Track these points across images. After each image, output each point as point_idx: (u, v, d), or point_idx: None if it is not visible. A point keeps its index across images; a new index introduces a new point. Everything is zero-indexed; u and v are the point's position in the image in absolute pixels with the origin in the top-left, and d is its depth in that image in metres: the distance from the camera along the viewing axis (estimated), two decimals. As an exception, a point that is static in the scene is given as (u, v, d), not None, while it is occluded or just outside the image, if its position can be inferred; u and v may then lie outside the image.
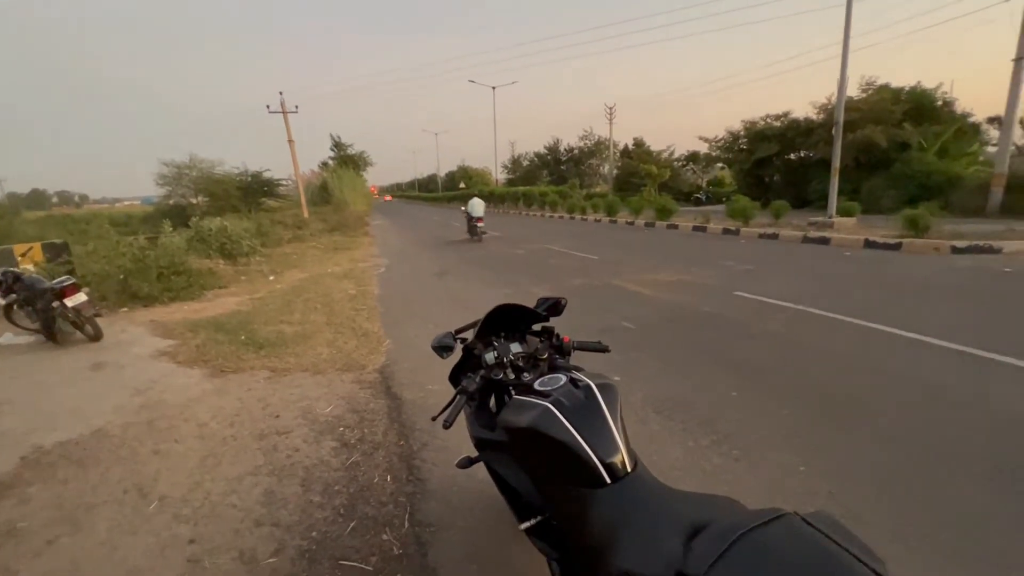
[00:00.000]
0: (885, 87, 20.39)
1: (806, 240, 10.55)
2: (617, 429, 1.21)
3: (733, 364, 3.84)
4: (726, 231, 12.91)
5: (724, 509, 0.93)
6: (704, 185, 34.50)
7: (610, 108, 35.60)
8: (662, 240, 12.59)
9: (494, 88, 36.70)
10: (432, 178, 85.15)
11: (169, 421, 3.30)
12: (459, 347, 1.78)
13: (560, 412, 1.23)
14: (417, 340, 4.84)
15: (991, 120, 20.69)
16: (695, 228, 14.04)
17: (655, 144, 39.76)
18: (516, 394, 1.46)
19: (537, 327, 1.83)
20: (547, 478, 1.28)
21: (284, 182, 29.16)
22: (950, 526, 1.99)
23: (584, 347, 1.73)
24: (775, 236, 11.35)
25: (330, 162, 45.04)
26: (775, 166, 23.99)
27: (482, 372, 1.60)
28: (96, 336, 5.16)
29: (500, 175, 52.41)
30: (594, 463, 1.15)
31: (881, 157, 18.32)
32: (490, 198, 38.16)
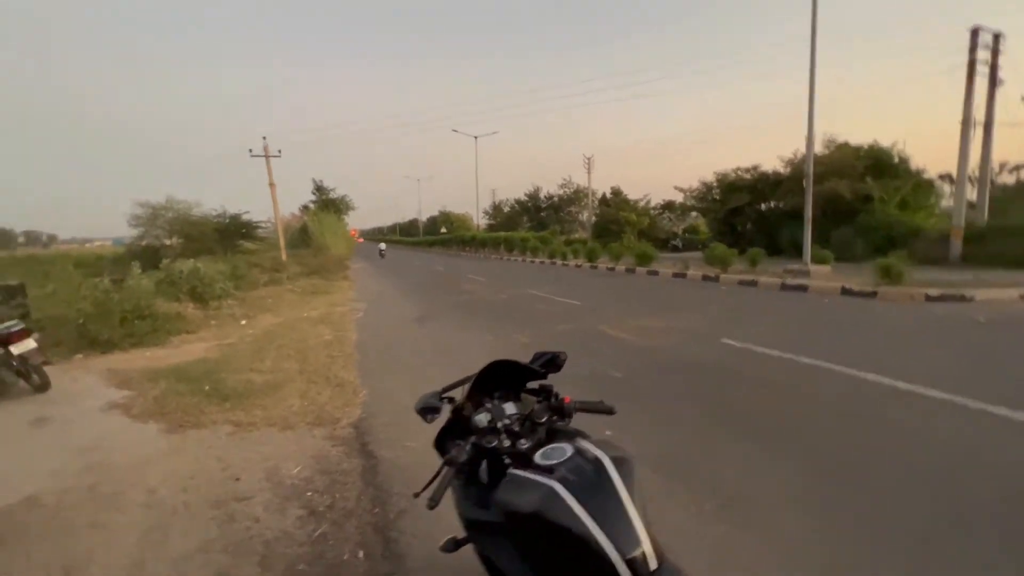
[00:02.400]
0: (846, 144, 21.64)
1: (784, 287, 10.72)
2: (638, 514, 1.03)
3: (727, 416, 3.68)
4: (706, 277, 13.08)
5: None
6: (680, 232, 35.49)
7: (588, 158, 36.87)
8: (643, 286, 12.66)
9: (476, 137, 37.81)
10: (413, 223, 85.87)
11: (114, 486, 2.94)
12: (447, 408, 1.58)
13: (569, 493, 1.04)
14: (396, 391, 4.57)
15: (942, 176, 22.10)
16: (675, 275, 14.20)
17: (632, 192, 41.04)
18: (513, 467, 1.27)
19: (534, 385, 1.65)
20: (552, 573, 1.08)
21: (263, 224, 28.86)
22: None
23: (587, 408, 1.56)
24: (754, 283, 11.52)
25: (311, 206, 45.12)
26: (747, 215, 24.87)
27: (472, 439, 1.40)
28: (43, 386, 4.74)
29: (481, 220, 53.17)
30: (613, 559, 0.96)
31: (846, 208, 19.16)
32: (471, 243, 38.43)
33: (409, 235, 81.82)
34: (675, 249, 29.44)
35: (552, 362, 1.67)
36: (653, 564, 0.98)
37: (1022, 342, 5.69)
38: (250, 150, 23.78)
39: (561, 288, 12.45)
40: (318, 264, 21.35)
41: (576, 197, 48.00)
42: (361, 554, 2.26)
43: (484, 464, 1.50)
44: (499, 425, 1.44)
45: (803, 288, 10.31)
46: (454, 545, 1.49)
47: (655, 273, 15.19)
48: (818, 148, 21.77)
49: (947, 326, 6.61)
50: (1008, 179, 22.93)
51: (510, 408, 1.52)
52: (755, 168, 24.70)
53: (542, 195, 50.70)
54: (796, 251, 13.51)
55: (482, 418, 1.46)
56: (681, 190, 29.67)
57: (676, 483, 2.75)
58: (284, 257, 22.74)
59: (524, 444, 1.39)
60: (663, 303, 9.51)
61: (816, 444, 3.17)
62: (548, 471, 1.14)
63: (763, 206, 24.49)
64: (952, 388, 3.95)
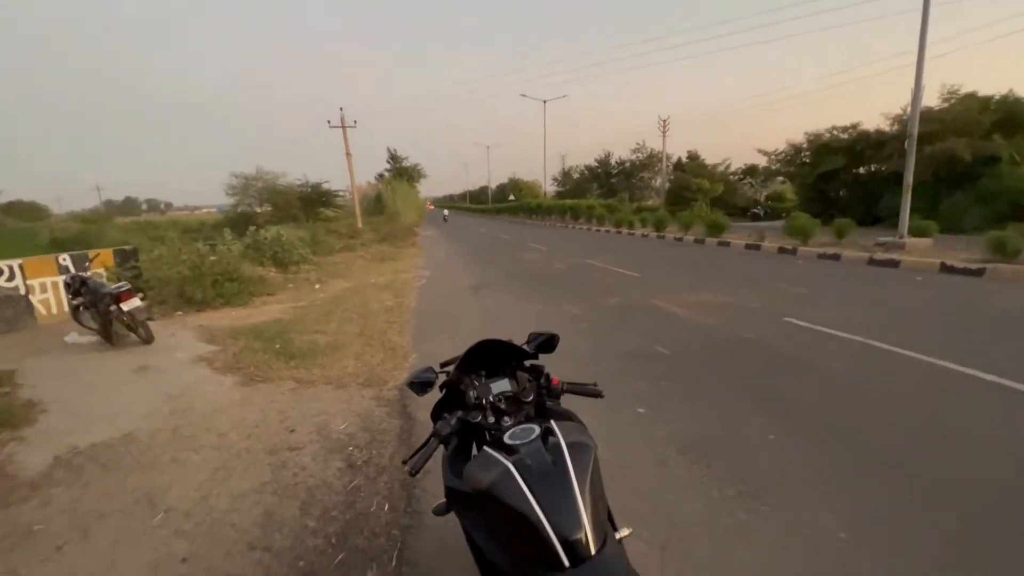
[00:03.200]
0: (971, 95, 18.61)
1: (872, 262, 9.69)
2: (584, 501, 1.05)
3: (774, 402, 3.50)
4: (782, 250, 12.12)
5: None
6: (762, 200, 32.84)
7: (663, 121, 34.78)
8: (711, 258, 12.00)
9: (545, 102, 36.85)
10: (483, 190, 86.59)
11: (193, 429, 3.39)
12: (443, 381, 1.66)
13: (520, 475, 1.08)
14: (441, 355, 4.76)
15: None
16: (748, 246, 13.29)
17: (710, 158, 38.32)
18: (488, 443, 1.33)
19: (528, 363, 1.68)
20: (506, 550, 1.14)
21: (341, 193, 30.50)
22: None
23: (576, 390, 1.57)
24: (836, 257, 10.52)
25: (386, 174, 46.87)
26: (841, 180, 22.44)
27: (459, 413, 1.47)
28: (148, 339, 5.48)
29: (550, 187, 52.44)
30: (552, 541, 0.99)
31: (965, 172, 16.66)
32: (538, 211, 38.15)
33: (479, 202, 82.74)
34: (755, 218, 27.37)
35: (547, 343, 1.69)
36: (593, 549, 1.00)
37: None
38: (328, 121, 25.00)
39: (622, 259, 12.13)
40: (389, 231, 22.31)
41: (649, 162, 45.71)
42: (387, 507, 2.47)
43: (474, 440, 1.58)
44: (485, 402, 1.50)
45: (894, 263, 9.25)
46: (444, 509, 1.60)
47: (726, 244, 14.31)
48: (934, 101, 19.01)
49: (1069, 312, 5.68)
50: None
51: (500, 386, 1.57)
52: (854, 127, 22.02)
53: (613, 160, 48.82)
54: (897, 221, 12.01)
55: (471, 394, 1.52)
56: (765, 153, 27.26)
57: (700, 467, 2.69)
58: (359, 224, 24.01)
59: (508, 422, 1.44)
60: (727, 277, 8.99)
61: (865, 438, 2.94)
62: (512, 451, 1.18)
63: (861, 170, 21.94)
64: (1052, 385, 3.46)
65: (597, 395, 1.57)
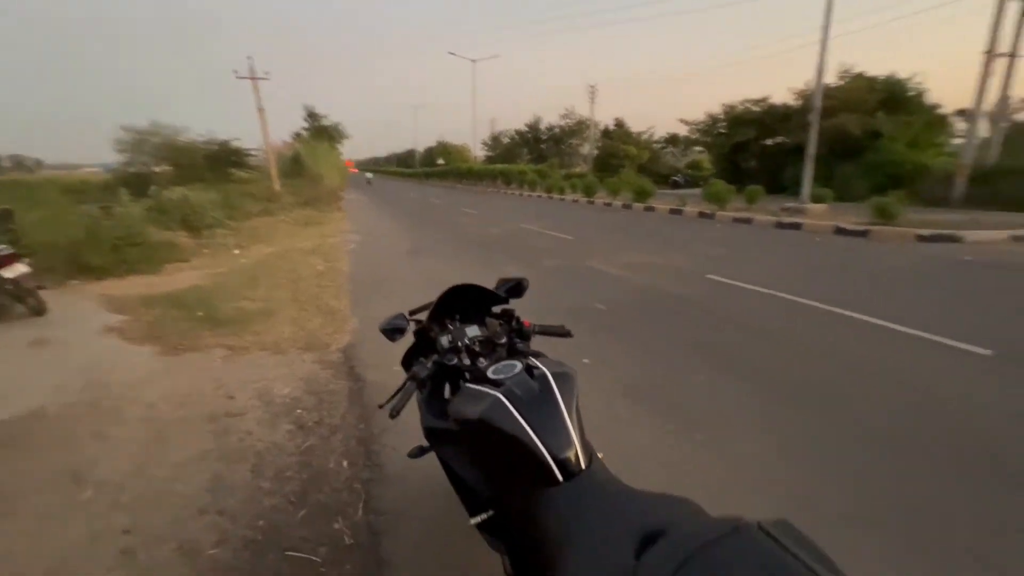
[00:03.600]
0: (861, 76, 20.56)
1: (779, 225, 10.68)
2: (572, 422, 1.13)
3: (703, 348, 3.83)
4: (702, 215, 12.98)
5: (681, 513, 0.86)
6: (682, 168, 34.62)
7: (591, 88, 35.14)
8: (638, 222, 12.58)
9: (474, 61, 35.78)
10: (410, 154, 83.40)
11: (114, 402, 3.11)
12: (413, 330, 1.66)
13: (511, 403, 1.13)
14: (383, 318, 4.71)
15: (959, 112, 21.20)
16: (672, 211, 14.07)
17: (636, 126, 39.48)
18: (469, 382, 1.36)
19: (497, 309, 1.72)
20: (498, 473, 1.20)
21: (254, 152, 27.96)
22: (907, 512, 2.01)
23: (546, 331, 1.64)
24: (749, 221, 11.46)
25: (303, 133, 43.53)
26: (752, 151, 24.13)
27: (435, 357, 1.49)
28: (39, 310, 4.85)
29: (479, 152, 51.61)
30: (546, 460, 1.06)
31: (854, 145, 18.58)
32: (468, 175, 37.58)
33: (406, 166, 79.67)
34: (676, 185, 28.83)
35: (516, 288, 1.73)
36: (582, 465, 1.09)
37: (997, 283, 5.79)
38: (234, 71, 22.59)
39: (555, 223, 12.38)
40: (311, 195, 20.95)
41: (578, 129, 46.23)
42: (345, 463, 2.45)
43: (447, 382, 1.61)
44: (460, 345, 1.52)
45: (797, 226, 10.27)
46: (420, 452, 1.64)
47: (652, 209, 15.04)
48: (832, 79, 20.74)
49: (931, 267, 6.67)
50: (1024, 116, 22.09)
51: (473, 331, 1.60)
52: (764, 100, 23.61)
53: (543, 126, 48.81)
54: (798, 189, 13.28)
55: (444, 339, 1.54)
56: (686, 123, 28.55)
57: (643, 407, 2.92)
58: (277, 187, 22.29)
59: (483, 363, 1.48)
60: (655, 239, 9.51)
61: (779, 374, 3.33)
62: (497, 384, 1.23)
63: (769, 141, 23.71)
64: (918, 324, 4.09)
65: (566, 334, 1.65)
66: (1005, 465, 2.29)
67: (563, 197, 21.15)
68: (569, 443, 1.09)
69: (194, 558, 1.86)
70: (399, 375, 3.59)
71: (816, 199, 12.45)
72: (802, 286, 5.47)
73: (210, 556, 1.87)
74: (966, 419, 2.69)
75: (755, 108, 23.80)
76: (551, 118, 62.16)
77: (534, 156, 46.98)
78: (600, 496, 1.01)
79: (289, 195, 20.20)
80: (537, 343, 1.67)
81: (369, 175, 41.77)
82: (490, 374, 1.30)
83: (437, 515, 2.05)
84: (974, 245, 7.94)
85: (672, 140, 37.11)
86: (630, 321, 4.57)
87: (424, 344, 1.66)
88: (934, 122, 19.38)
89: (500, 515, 1.31)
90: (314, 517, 2.07)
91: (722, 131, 25.48)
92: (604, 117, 58.59)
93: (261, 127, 23.43)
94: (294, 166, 32.35)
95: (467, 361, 1.50)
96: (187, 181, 19.05)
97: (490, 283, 1.75)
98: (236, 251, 8.93)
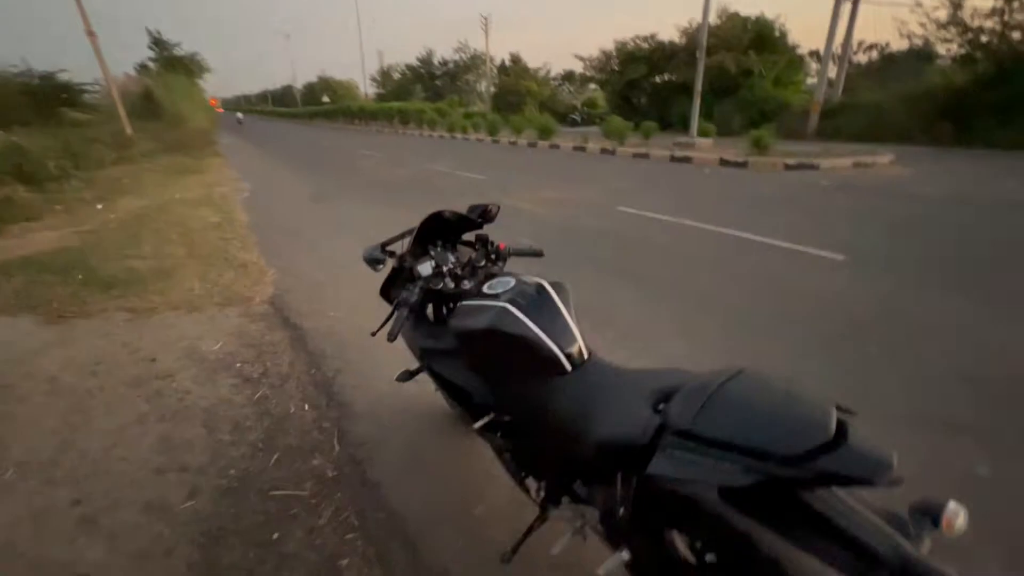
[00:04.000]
0: (736, 15, 22.01)
1: (673, 159, 11.53)
2: (572, 320, 1.27)
3: (622, 271, 4.20)
4: (604, 151, 13.52)
5: (685, 376, 1.04)
6: (579, 106, 35.17)
7: (484, 19, 33.58)
8: (545, 160, 12.80)
9: (355, -16, 32.14)
10: (288, 91, 74.69)
11: (3, 380, 2.70)
12: (389, 261, 1.68)
13: (517, 310, 1.24)
14: (307, 269, 4.48)
15: (811, 53, 23.78)
16: (575, 148, 14.46)
17: (531, 61, 38.96)
18: (464, 300, 1.44)
19: (470, 236, 1.78)
20: (507, 375, 1.32)
21: (90, 88, 23.20)
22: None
23: (520, 252, 1.75)
24: (647, 156, 12.20)
25: (151, 65, 36.79)
26: (643, 89, 25.18)
27: (420, 283, 1.53)
28: None
29: (369, 90, 47.78)
30: (555, 354, 1.20)
31: (730, 83, 20.19)
32: (360, 115, 34.91)
33: (284, 105, 71.33)
34: (573, 123, 29.36)
35: (485, 213, 1.79)
36: (585, 356, 1.25)
37: (847, 202, 6.92)
38: (47, -18, 18.10)
39: (464, 163, 12.16)
40: (177, 139, 18.20)
41: (473, 64, 44.42)
42: (306, 407, 2.43)
43: (430, 305, 1.67)
44: (444, 269, 1.58)
45: (688, 160, 11.18)
46: (408, 375, 1.71)
47: (556, 147, 15.31)
48: (714, 18, 21.94)
49: (796, 191, 7.75)
50: (863, 58, 25.41)
51: (454, 256, 1.66)
52: (652, 37, 24.44)
53: (436, 60, 46.12)
54: (684, 125, 14.30)
55: (427, 266, 1.58)
56: (581, 59, 28.75)
57: (582, 323, 3.20)
58: (129, 130, 18.94)
59: (467, 285, 1.56)
60: (564, 176, 9.81)
61: (688, 286, 3.81)
62: (496, 298, 1.33)
63: (658, 79, 24.83)
64: (789, 238, 4.84)
65: (539, 254, 1.77)
66: (858, 329, 2.92)
67: (467, 136, 20.63)
68: (573, 338, 1.24)
69: (167, 513, 1.80)
70: (338, 320, 3.56)
71: (702, 134, 13.52)
72: (698, 213, 6.10)
73: (186, 509, 1.82)
74: (826, 302, 3.35)
75: (644, 45, 24.56)
76: (444, 52, 58.80)
77: (430, 93, 44.63)
78: (609, 376, 1.19)
79: (148, 140, 17.38)
80: (511, 264, 1.77)
81: (240, 115, 37.05)
82: (485, 290, 1.39)
83: (416, 438, 2.16)
84: (828, 171, 9.31)
85: (568, 77, 37.27)
86: (556, 252, 4.75)
87: (401, 273, 1.68)
88: (794, 62, 21.58)
89: (501, 417, 1.45)
90: (289, 459, 2.07)
91: (615, 68, 26.11)
92: (500, 51, 56.75)
93: (96, 57, 19.37)
94: (147, 105, 27.55)
95: (452, 285, 1.57)
96: (5, 124, 15.51)
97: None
98: (99, 206, 7.65)
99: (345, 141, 21.76)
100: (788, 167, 9.59)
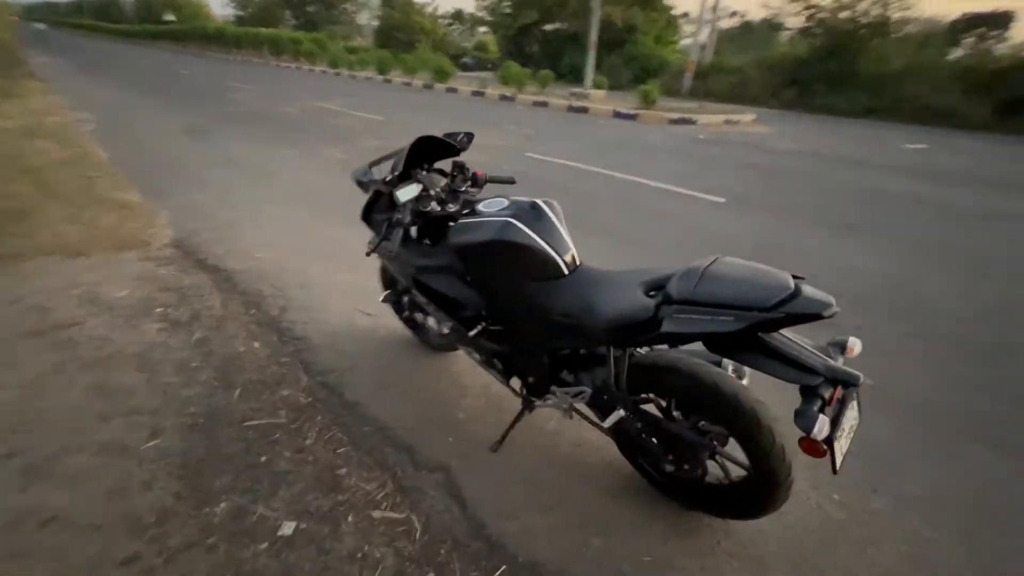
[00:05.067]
0: (620, -33, 22.59)
1: (570, 109, 11.93)
2: (566, 233, 1.48)
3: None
4: (503, 97, 13.48)
5: (664, 270, 1.30)
6: (470, 50, 33.98)
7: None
8: (445, 104, 12.45)
9: None
10: (112, 1, 60.95)
11: None
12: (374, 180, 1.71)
13: (520, 222, 1.41)
14: (209, 209, 4.09)
15: (683, 15, 25.52)
16: (474, 93, 14.20)
17: (418, -4, 36.20)
18: (458, 219, 1.56)
19: (445, 163, 1.86)
20: (507, 282, 1.49)
21: None
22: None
23: (495, 180, 1.88)
24: (545, 104, 12.46)
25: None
26: (535, 36, 25.07)
27: (410, 205, 1.60)
28: None
29: (225, 10, 41.00)
30: (553, 258, 1.41)
31: (617, 37, 20.98)
32: (218, 40, 30.06)
33: (109, 19, 58.10)
34: (466, 68, 28.40)
35: (462, 141, 1.87)
36: (577, 263, 1.47)
37: (722, 153, 7.91)
38: None
39: (357, 102, 11.35)
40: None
41: (352, -9, 40.08)
42: (257, 344, 2.37)
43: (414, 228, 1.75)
44: (432, 192, 1.66)
45: (585, 110, 11.67)
46: (396, 295, 1.79)
47: (454, 91, 14.88)
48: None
49: (679, 142, 8.62)
50: (728, 23, 27.83)
51: (440, 180, 1.76)
52: (545, -21, 24.16)
53: (308, -18, 40.64)
54: (574, 76, 14.76)
55: (412, 188, 1.64)
56: (473, -3, 27.54)
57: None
58: None
59: (451, 208, 1.67)
60: (466, 120, 9.70)
61: (598, 223, 4.21)
62: (496, 215, 1.47)
63: (549, 27, 24.85)
64: (678, 183, 5.52)
65: (512, 181, 1.92)
66: (742, 256, 3.54)
67: (353, 74, 19.01)
68: (567, 247, 1.45)
69: (130, 453, 1.72)
70: (262, 261, 3.43)
71: (597, 86, 14.08)
72: (600, 159, 6.57)
73: (150, 448, 1.75)
74: (713, 235, 3.99)
75: (537, -12, 24.23)
76: (316, -27, 52.07)
77: (301, 22, 39.65)
78: (599, 276, 1.42)
79: (-79, 51, 13.39)
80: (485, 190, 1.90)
81: (42, 25, 29.84)
82: (481, 208, 1.52)
83: (385, 362, 2.26)
84: (704, 127, 10.41)
85: (457, 16, 35.59)
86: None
87: (380, 198, 1.72)
88: (672, 22, 23.01)
89: (493, 325, 1.62)
90: (254, 393, 2.05)
91: (507, 11, 25.53)
92: (380, -20, 51.62)
93: None
94: (-95, 4, 21.03)
95: (437, 208, 1.66)
96: None
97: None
98: None
99: (205, 70, 18.78)
100: (672, 121, 10.53)
